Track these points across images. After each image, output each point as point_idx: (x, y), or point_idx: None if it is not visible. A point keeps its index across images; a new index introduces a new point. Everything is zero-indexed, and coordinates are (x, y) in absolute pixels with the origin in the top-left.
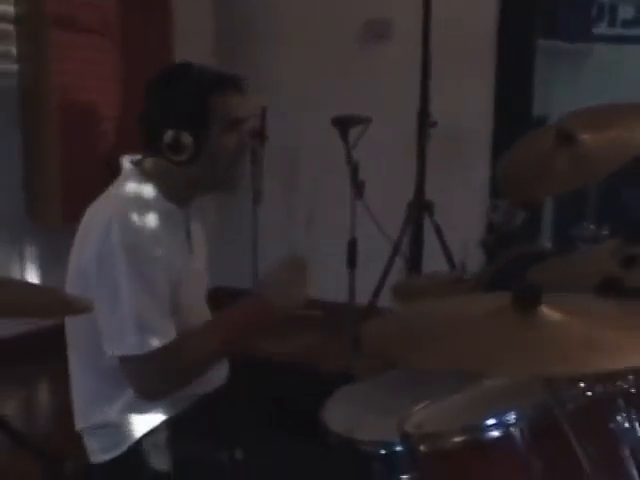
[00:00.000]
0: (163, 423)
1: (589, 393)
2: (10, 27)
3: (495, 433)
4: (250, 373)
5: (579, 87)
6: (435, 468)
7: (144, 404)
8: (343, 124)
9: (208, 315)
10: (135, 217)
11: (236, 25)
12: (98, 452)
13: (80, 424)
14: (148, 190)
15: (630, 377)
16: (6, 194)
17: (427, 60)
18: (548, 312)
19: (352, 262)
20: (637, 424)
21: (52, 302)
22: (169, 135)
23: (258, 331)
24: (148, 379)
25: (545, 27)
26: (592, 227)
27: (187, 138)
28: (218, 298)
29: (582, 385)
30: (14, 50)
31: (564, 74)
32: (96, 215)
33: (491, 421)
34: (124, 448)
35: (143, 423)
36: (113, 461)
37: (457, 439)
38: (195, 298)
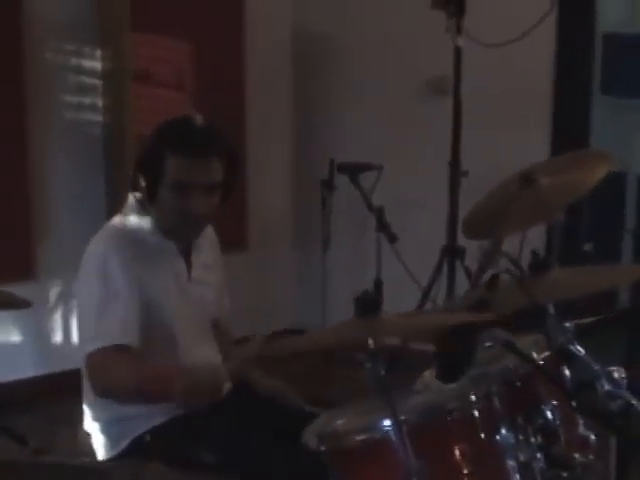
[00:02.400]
0: (163, 422)
1: (479, 405)
2: (97, 81)
3: (383, 433)
4: (249, 391)
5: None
6: (334, 466)
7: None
8: (350, 171)
9: (204, 336)
10: (123, 247)
11: (308, 81)
12: (104, 448)
13: (88, 424)
14: (144, 223)
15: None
16: (93, 233)
17: (459, 112)
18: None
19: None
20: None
21: None
22: (134, 175)
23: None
24: (93, 376)
25: (605, 82)
26: None
27: (142, 182)
28: None
29: (473, 398)
30: (100, 102)
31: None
32: (94, 243)
33: (385, 422)
34: (127, 442)
35: (144, 420)
36: (117, 456)
37: (353, 438)
38: (184, 318)
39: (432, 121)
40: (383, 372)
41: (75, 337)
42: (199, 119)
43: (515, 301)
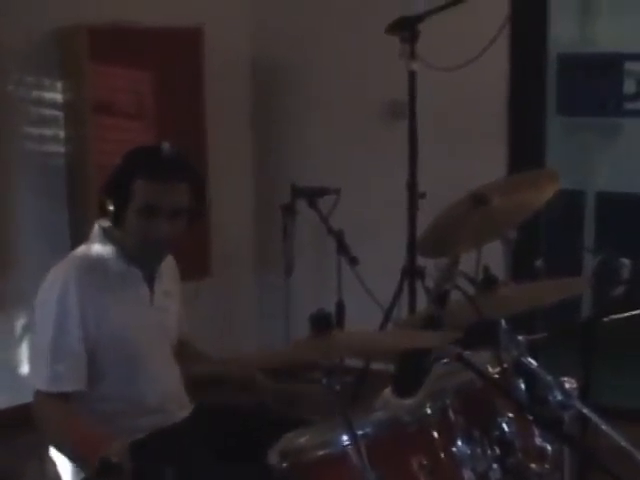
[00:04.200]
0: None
1: (435, 418)
2: (58, 113)
3: (342, 448)
4: (211, 414)
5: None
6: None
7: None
8: (308, 195)
9: (166, 360)
10: (84, 276)
11: (267, 108)
12: (70, 474)
13: (54, 451)
14: (109, 251)
15: None
16: (57, 260)
17: (414, 135)
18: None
19: (340, 324)
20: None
21: None
22: (102, 199)
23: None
24: (36, 415)
25: (561, 102)
26: None
27: (110, 205)
28: None
29: (428, 410)
30: (62, 134)
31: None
32: (56, 271)
33: (344, 437)
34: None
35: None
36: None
37: (313, 453)
38: (145, 342)
39: (389, 144)
40: (338, 387)
41: None
42: (167, 146)
43: (466, 317)
